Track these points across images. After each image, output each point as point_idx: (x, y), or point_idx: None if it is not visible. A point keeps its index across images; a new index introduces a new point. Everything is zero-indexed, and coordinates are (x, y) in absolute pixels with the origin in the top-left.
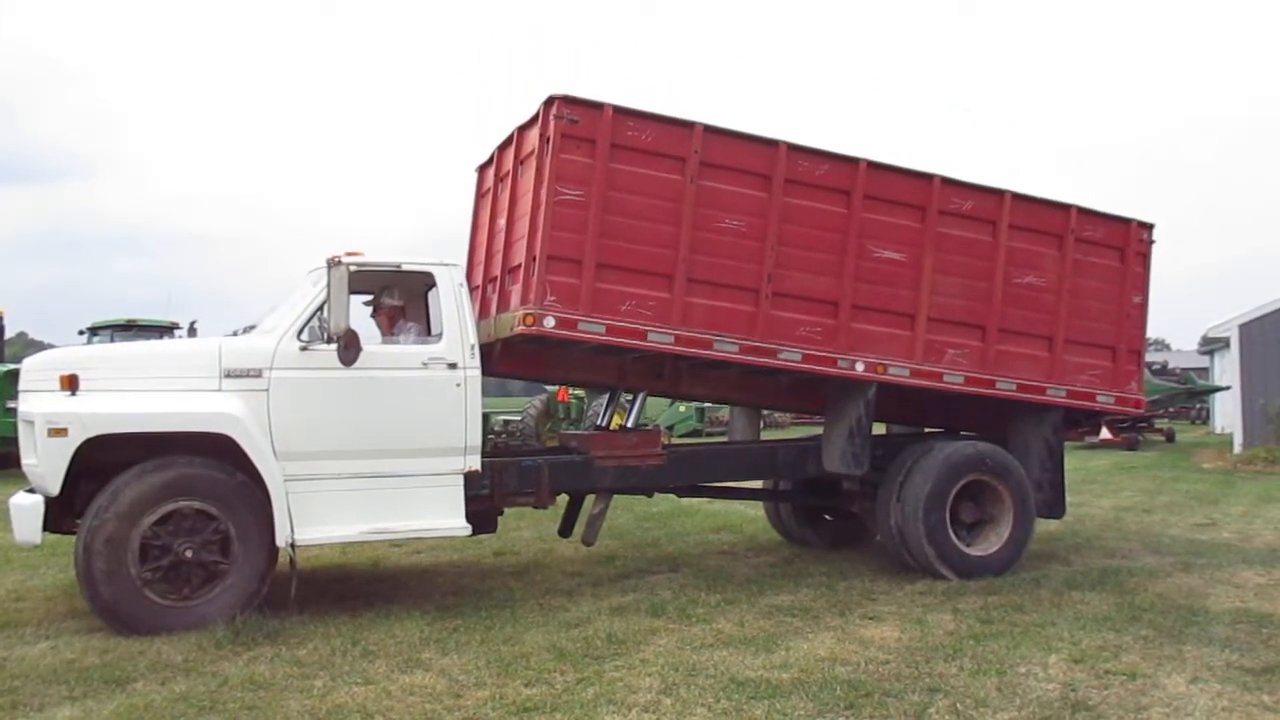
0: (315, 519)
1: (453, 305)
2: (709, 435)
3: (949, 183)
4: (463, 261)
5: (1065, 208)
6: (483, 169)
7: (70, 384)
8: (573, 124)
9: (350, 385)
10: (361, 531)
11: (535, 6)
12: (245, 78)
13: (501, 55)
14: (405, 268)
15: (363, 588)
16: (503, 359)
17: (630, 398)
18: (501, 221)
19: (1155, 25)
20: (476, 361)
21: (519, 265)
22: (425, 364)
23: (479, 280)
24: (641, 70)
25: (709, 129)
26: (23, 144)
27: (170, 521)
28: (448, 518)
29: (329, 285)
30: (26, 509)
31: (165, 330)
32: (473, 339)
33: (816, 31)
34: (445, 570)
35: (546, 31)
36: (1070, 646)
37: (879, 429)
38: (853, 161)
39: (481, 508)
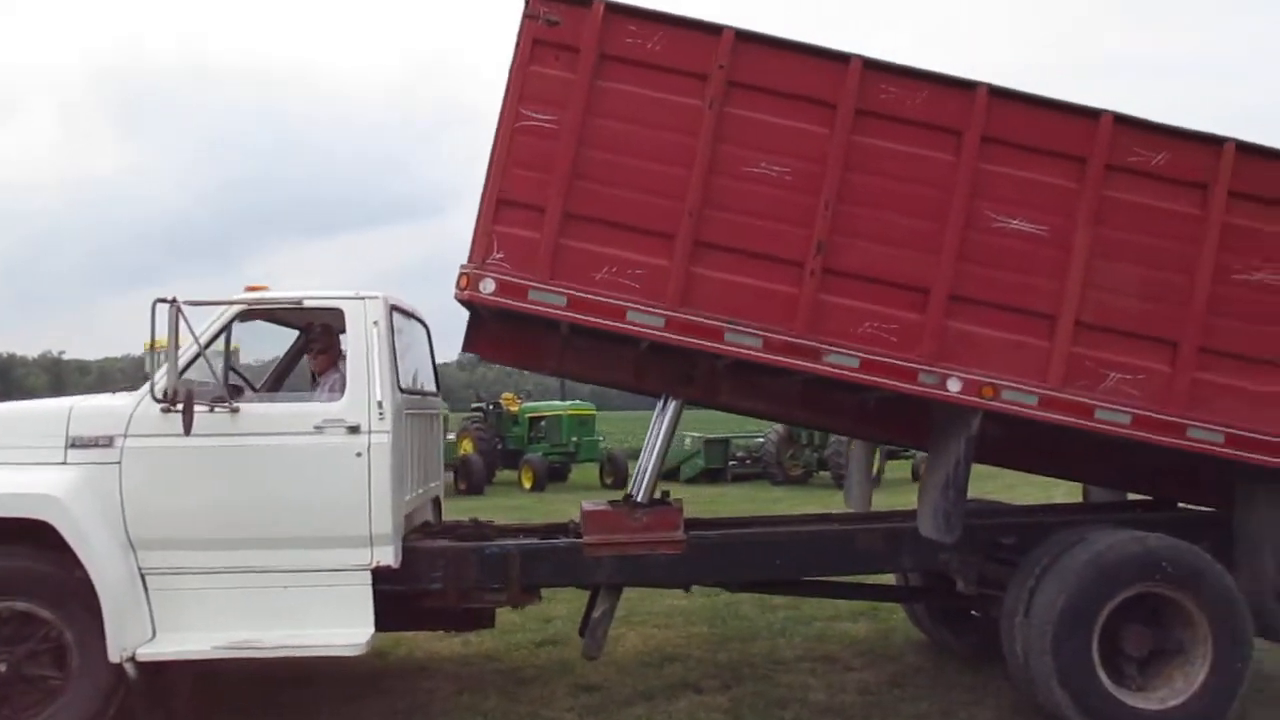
0: (176, 624)
1: (361, 350)
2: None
3: (1127, 123)
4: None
5: None
6: None
7: None
8: (551, 25)
9: (222, 456)
10: (216, 646)
11: None
12: None
13: None
14: (308, 304)
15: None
16: (475, 338)
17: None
18: None
19: None
20: (387, 425)
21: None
22: (318, 427)
23: None
24: None
25: (743, 35)
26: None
27: None
28: (345, 626)
29: (152, 330)
30: None
31: None
32: (381, 394)
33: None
34: (443, 666)
35: None
36: None
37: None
38: (968, 86)
39: (436, 605)
